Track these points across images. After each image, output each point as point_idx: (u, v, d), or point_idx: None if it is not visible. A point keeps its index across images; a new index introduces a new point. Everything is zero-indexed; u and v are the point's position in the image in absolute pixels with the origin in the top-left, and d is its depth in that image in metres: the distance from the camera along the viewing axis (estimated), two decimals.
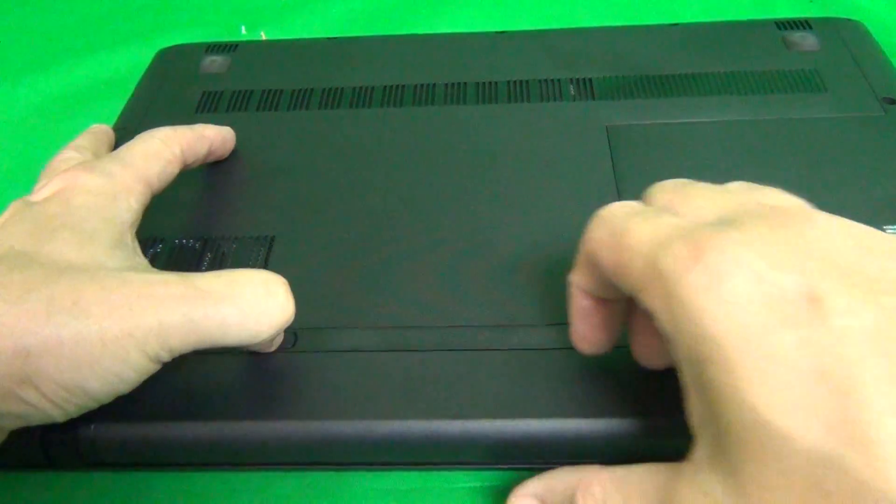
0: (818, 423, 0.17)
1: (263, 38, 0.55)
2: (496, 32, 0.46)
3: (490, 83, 0.42)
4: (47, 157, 0.33)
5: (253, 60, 0.46)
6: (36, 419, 0.24)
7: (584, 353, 0.27)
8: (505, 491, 0.26)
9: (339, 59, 0.45)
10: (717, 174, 0.26)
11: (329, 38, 0.48)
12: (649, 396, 0.27)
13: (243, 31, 0.56)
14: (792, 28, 0.44)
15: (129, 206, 0.29)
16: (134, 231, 0.30)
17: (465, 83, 0.42)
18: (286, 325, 0.26)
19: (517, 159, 0.37)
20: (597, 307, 0.25)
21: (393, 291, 0.31)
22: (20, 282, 0.24)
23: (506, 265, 0.32)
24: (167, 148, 0.33)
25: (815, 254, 0.19)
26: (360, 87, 0.43)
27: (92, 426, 0.27)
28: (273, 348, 0.29)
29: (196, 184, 0.37)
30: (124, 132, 0.38)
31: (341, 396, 0.28)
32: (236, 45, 0.47)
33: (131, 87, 0.45)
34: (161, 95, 0.44)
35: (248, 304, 0.25)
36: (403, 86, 0.42)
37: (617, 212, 0.23)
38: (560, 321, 0.28)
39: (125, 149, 0.32)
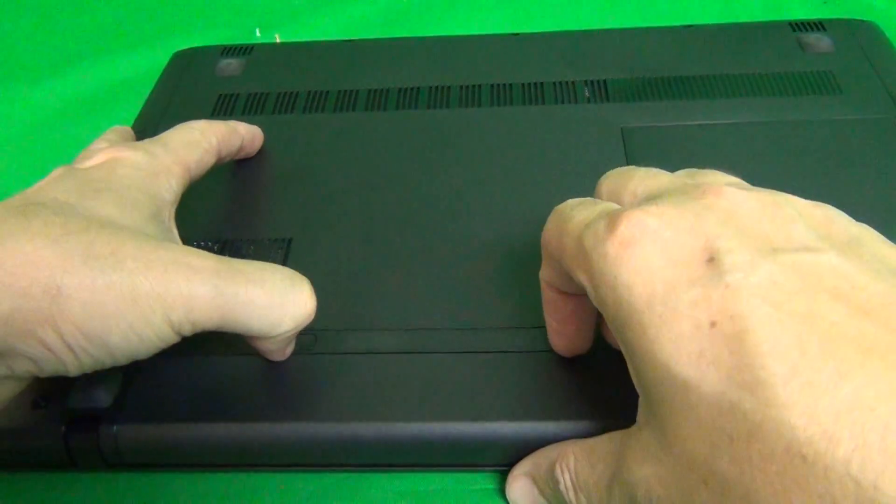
0: (715, 372, 0.18)
1: (278, 40, 0.55)
2: (510, 35, 0.47)
3: (504, 85, 0.42)
4: (66, 159, 0.33)
5: (268, 63, 0.46)
6: (48, 367, 0.24)
7: (559, 350, 0.28)
8: None
9: (353, 62, 0.45)
10: (736, 177, 0.26)
11: (344, 41, 0.48)
12: None
13: (258, 33, 0.57)
14: (806, 29, 0.44)
15: (170, 185, 0.30)
16: (172, 211, 0.30)
17: (480, 85, 0.42)
18: (306, 323, 0.27)
19: (532, 161, 0.37)
20: (564, 300, 0.26)
21: (410, 293, 0.32)
22: (61, 223, 0.24)
23: (522, 267, 0.32)
24: (205, 138, 0.34)
25: (720, 221, 0.20)
26: (375, 90, 0.43)
27: (114, 427, 0.28)
28: (285, 357, 0.29)
29: (214, 187, 0.37)
30: (142, 134, 0.38)
31: (360, 398, 0.28)
32: (251, 48, 0.47)
33: (148, 90, 0.46)
34: (177, 98, 0.44)
35: (276, 291, 0.26)
36: (418, 88, 0.43)
37: (566, 205, 0.25)
38: None
39: (166, 135, 0.33)
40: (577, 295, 0.26)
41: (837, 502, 0.16)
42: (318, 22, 0.57)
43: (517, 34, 0.46)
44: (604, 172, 0.27)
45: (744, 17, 0.47)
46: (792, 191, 0.23)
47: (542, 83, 0.42)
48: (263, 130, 0.40)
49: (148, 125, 0.42)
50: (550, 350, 0.28)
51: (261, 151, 0.40)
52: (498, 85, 0.42)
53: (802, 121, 0.38)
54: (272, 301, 0.26)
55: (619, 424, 0.23)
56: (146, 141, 0.32)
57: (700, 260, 0.20)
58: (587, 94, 0.41)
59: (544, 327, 0.29)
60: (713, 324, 0.19)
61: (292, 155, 0.39)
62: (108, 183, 0.28)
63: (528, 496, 0.27)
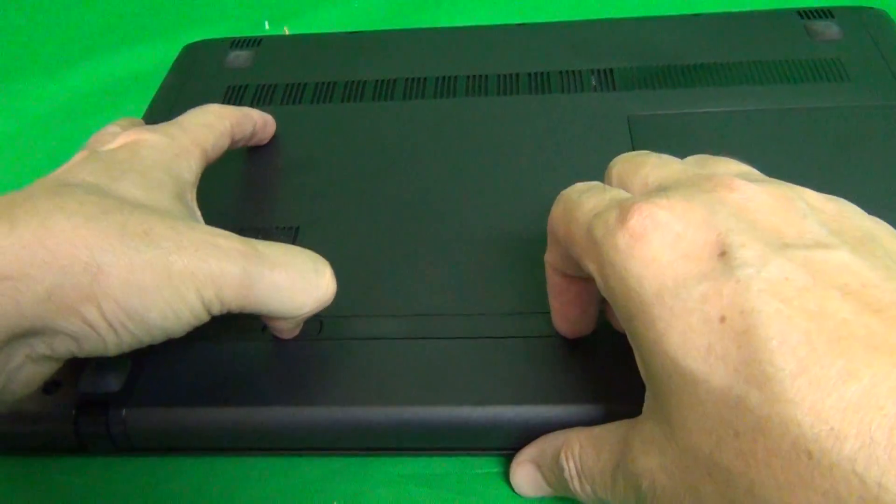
0: (723, 366, 0.18)
1: (287, 32, 0.55)
2: (517, 24, 0.46)
3: (511, 75, 0.42)
4: (77, 151, 0.34)
5: (276, 55, 0.46)
6: (88, 345, 0.24)
7: (563, 332, 0.28)
8: None
9: (361, 53, 0.45)
10: (747, 165, 0.26)
11: (351, 32, 0.48)
12: None
13: (267, 26, 0.57)
14: (814, 17, 0.44)
15: (190, 166, 0.31)
16: (194, 192, 0.31)
17: (487, 75, 0.42)
18: (326, 305, 0.27)
19: (539, 150, 0.37)
20: (568, 284, 0.27)
21: (416, 280, 0.32)
22: (95, 203, 0.24)
23: (528, 254, 0.32)
24: (220, 121, 0.34)
25: (732, 214, 0.20)
26: (382, 80, 0.43)
27: (123, 412, 0.28)
28: (294, 334, 0.30)
29: (222, 176, 0.37)
30: None
31: (366, 383, 0.28)
32: (260, 40, 0.48)
33: (158, 83, 0.46)
34: (187, 90, 0.45)
35: (300, 275, 0.26)
36: (425, 78, 0.43)
37: (574, 189, 0.25)
38: None
39: (182, 118, 0.33)
40: (582, 278, 0.26)
41: (842, 499, 0.16)
42: (326, 14, 0.57)
43: (523, 24, 0.46)
44: (610, 161, 0.27)
45: (751, 5, 0.47)
46: (800, 178, 0.23)
47: (548, 72, 0.42)
48: None
49: (158, 117, 0.42)
50: (555, 335, 0.29)
51: (269, 141, 0.40)
52: (504, 75, 0.42)
53: (811, 108, 0.38)
54: (295, 284, 0.26)
55: (624, 409, 0.23)
56: (163, 124, 0.32)
57: (711, 254, 0.20)
58: (594, 82, 0.41)
59: (549, 312, 0.29)
60: (722, 318, 0.19)
61: (300, 145, 0.40)
62: (132, 164, 0.28)
63: (532, 483, 0.27)
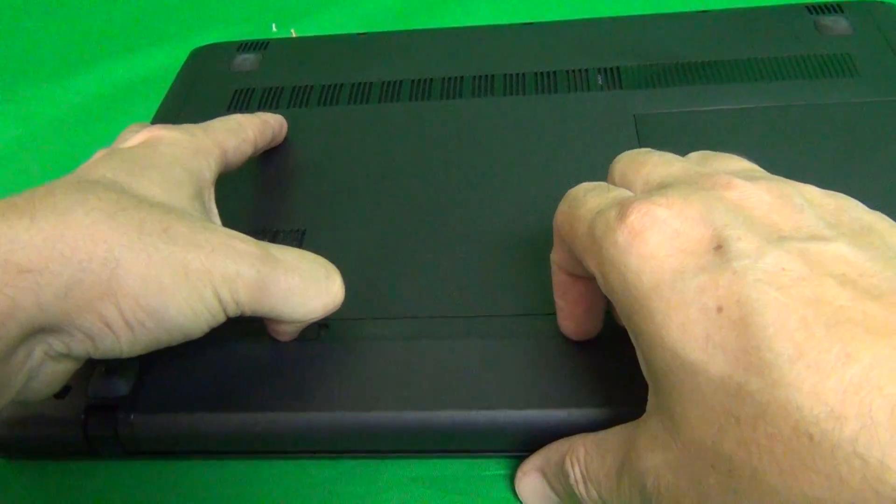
0: (722, 354, 0.18)
1: (294, 35, 0.55)
2: (523, 24, 0.46)
3: (518, 75, 0.42)
4: (86, 155, 0.34)
5: (283, 58, 0.47)
6: (104, 345, 0.24)
7: (569, 333, 0.28)
8: None
9: (367, 55, 0.45)
10: (749, 161, 0.26)
11: (357, 34, 0.48)
12: None
13: (274, 28, 0.57)
14: (824, 12, 0.43)
15: (209, 164, 0.31)
16: (212, 192, 0.31)
17: (493, 75, 0.42)
18: (335, 310, 0.27)
19: (546, 150, 0.37)
20: (574, 282, 0.27)
21: (422, 282, 0.32)
22: (115, 199, 0.24)
23: (534, 255, 0.32)
24: (243, 128, 0.35)
25: (729, 211, 0.21)
26: (389, 82, 0.43)
27: (132, 416, 0.28)
28: (293, 338, 0.30)
29: (229, 179, 0.37)
30: None
31: (373, 386, 0.28)
32: (267, 43, 0.48)
33: (166, 87, 0.46)
34: (195, 94, 0.45)
35: (312, 280, 0.27)
36: (431, 79, 0.43)
37: (579, 189, 0.25)
38: None
39: (206, 122, 0.34)
40: (587, 278, 0.26)
41: (844, 480, 0.16)
42: (333, 16, 0.58)
43: (529, 23, 0.46)
44: None
45: (759, 1, 0.46)
46: (809, 175, 0.23)
47: (554, 72, 0.42)
48: None
49: (166, 121, 0.42)
50: (562, 337, 0.28)
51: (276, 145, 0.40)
52: (511, 74, 0.42)
53: (820, 104, 0.38)
54: (308, 289, 0.26)
55: (630, 412, 0.23)
56: (186, 125, 0.33)
57: (708, 248, 0.20)
58: (600, 81, 0.41)
59: (554, 314, 0.29)
60: (720, 308, 0.19)
61: (307, 148, 0.40)
62: (152, 161, 0.28)
63: (538, 492, 0.27)
